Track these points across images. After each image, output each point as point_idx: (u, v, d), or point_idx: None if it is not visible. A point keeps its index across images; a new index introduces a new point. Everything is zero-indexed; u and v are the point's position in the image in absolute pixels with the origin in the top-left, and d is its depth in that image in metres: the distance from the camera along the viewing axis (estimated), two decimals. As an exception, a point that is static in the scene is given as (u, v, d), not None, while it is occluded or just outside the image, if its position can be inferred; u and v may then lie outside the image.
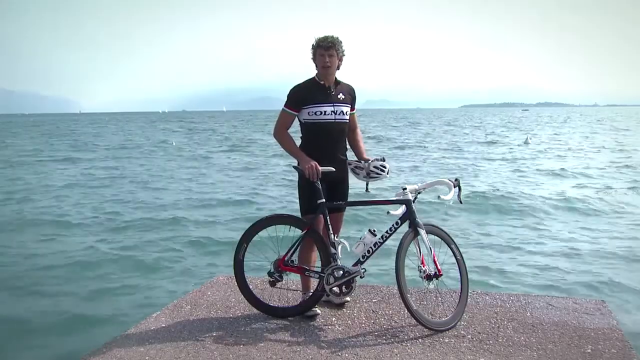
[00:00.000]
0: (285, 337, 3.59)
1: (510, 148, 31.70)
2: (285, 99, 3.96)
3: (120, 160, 27.44)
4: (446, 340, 3.51)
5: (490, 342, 3.49)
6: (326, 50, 3.85)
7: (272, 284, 3.91)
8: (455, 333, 3.62)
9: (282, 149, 4.07)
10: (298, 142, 4.04)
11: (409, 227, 3.77)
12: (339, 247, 3.85)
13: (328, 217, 3.83)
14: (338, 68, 3.96)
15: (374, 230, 3.83)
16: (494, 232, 10.86)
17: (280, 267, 3.90)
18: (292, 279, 4.36)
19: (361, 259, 3.82)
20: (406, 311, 3.68)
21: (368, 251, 3.81)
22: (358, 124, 4.20)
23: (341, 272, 3.78)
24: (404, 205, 3.81)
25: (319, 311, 3.96)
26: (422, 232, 3.72)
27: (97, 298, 7.27)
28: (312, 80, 3.96)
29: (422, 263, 3.71)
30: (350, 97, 4.05)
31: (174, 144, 38.15)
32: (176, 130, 63.27)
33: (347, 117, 3.98)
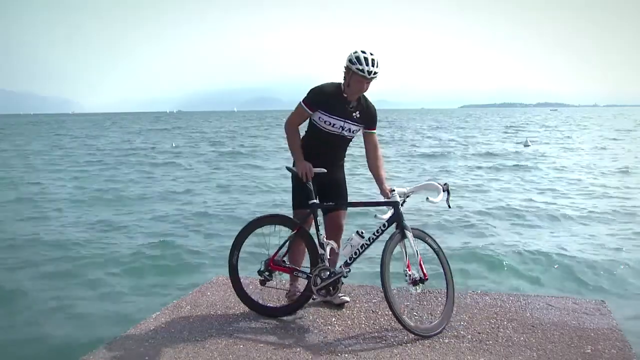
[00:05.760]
0: (285, 338, 3.59)
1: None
2: (305, 94, 3.86)
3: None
4: (446, 341, 3.52)
5: (490, 342, 3.49)
6: (368, 81, 3.76)
7: (262, 282, 3.93)
8: (455, 333, 3.63)
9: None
10: (302, 134, 4.03)
11: (396, 229, 3.72)
12: (328, 248, 3.84)
13: (323, 217, 3.83)
14: None
15: (362, 232, 3.78)
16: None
17: (271, 266, 3.90)
18: (286, 279, 4.35)
19: (348, 261, 3.80)
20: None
21: (355, 253, 3.77)
22: (379, 145, 4.03)
23: (328, 272, 3.79)
24: (392, 208, 3.78)
25: (347, 298, 4.05)
26: (409, 235, 3.68)
27: (97, 298, 7.26)
28: (337, 87, 3.87)
29: (408, 267, 3.65)
30: (368, 117, 3.95)
31: (173, 145, 36.83)
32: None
33: (354, 135, 3.97)
